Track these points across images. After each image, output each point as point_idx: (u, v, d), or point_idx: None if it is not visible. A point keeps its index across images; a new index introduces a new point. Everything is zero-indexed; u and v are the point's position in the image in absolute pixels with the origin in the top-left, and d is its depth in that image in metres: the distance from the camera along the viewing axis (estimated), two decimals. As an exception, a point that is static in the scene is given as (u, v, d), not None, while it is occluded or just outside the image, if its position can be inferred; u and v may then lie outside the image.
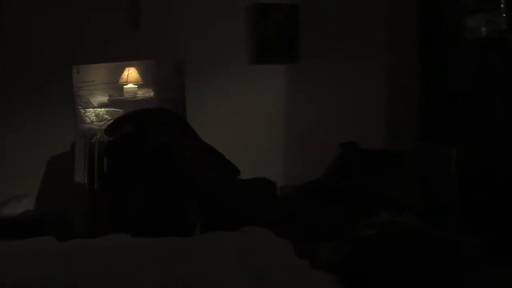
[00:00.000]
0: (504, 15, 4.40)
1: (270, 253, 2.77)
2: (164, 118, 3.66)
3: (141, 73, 4.37)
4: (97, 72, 4.26)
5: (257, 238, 2.92)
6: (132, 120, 3.60)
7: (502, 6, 4.41)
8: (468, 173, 4.27)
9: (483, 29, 4.42)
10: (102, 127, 4.06)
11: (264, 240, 2.91)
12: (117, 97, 4.32)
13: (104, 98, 4.31)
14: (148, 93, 4.39)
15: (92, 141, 3.78)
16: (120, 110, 4.27)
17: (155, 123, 3.55)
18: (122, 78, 4.33)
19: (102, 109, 4.30)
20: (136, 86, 4.35)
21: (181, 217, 3.22)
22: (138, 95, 4.36)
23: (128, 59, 4.31)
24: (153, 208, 3.23)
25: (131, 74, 4.36)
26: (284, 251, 2.81)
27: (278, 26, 4.57)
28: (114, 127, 3.67)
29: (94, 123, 4.25)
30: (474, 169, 4.33)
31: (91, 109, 4.25)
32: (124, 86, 4.34)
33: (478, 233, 3.81)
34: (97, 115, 4.27)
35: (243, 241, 2.86)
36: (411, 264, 3.32)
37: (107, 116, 4.26)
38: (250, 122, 4.56)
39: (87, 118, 4.24)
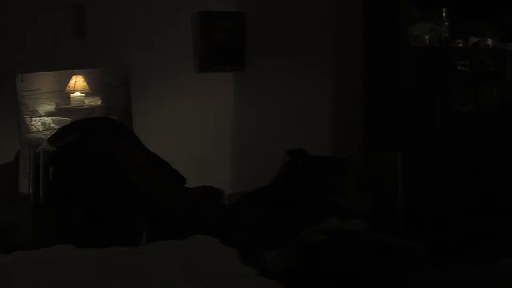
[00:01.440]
0: (446, 23, 4.51)
1: (216, 261, 2.78)
2: (108, 127, 3.63)
3: (88, 81, 4.33)
4: (42, 81, 4.21)
5: (203, 246, 2.92)
6: (76, 130, 3.56)
7: (444, 15, 4.51)
8: (413, 178, 4.35)
9: (427, 37, 4.51)
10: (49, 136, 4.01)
11: (210, 248, 2.91)
12: (64, 105, 4.28)
13: (51, 107, 4.26)
14: (95, 101, 4.35)
15: (37, 150, 3.73)
16: (68, 119, 4.22)
17: (99, 132, 3.52)
18: (69, 86, 4.29)
19: (49, 118, 4.24)
20: (83, 94, 4.31)
21: (126, 226, 3.20)
22: (85, 104, 4.32)
23: (74, 67, 4.27)
24: (98, 218, 3.20)
25: (78, 82, 4.32)
26: (230, 259, 2.81)
27: (224, 34, 4.58)
28: (58, 136, 3.63)
29: (41, 132, 4.19)
30: (418, 174, 4.41)
31: (38, 118, 4.19)
32: (71, 95, 4.29)
33: (421, 237, 3.89)
34: (43, 124, 4.22)
35: (189, 249, 2.86)
36: (358, 269, 3.37)
37: (54, 125, 4.21)
38: (197, 130, 4.54)
39: (33, 127, 4.18)
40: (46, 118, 4.23)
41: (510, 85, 4.69)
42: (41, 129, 4.20)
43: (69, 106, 4.29)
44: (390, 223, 4.23)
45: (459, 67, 4.51)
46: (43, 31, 4.16)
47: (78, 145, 3.42)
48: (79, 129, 3.56)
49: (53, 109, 4.26)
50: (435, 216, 4.48)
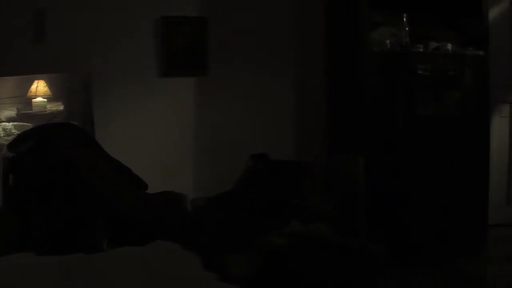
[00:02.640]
0: (406, 28, 4.56)
1: (177, 266, 2.77)
2: (68, 133, 3.60)
3: (50, 86, 4.29)
4: (3, 86, 4.17)
5: (164, 252, 2.91)
6: (36, 136, 3.53)
7: (404, 20, 4.56)
8: (375, 181, 4.39)
9: (388, 41, 4.56)
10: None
11: (172, 254, 2.91)
12: (26, 111, 4.23)
13: (12, 112, 4.22)
14: (57, 106, 4.32)
15: (-3, 157, 3.69)
16: (29, 124, 4.18)
17: (60, 138, 3.49)
18: (30, 91, 4.25)
19: (10, 123, 4.21)
20: (45, 99, 4.28)
21: (87, 232, 3.18)
22: (47, 109, 4.28)
23: (35, 72, 4.23)
24: (58, 225, 3.17)
25: (39, 87, 4.29)
26: (191, 264, 2.81)
27: (187, 39, 4.58)
28: (17, 142, 3.59)
29: (2, 138, 4.15)
30: (381, 177, 4.46)
31: (-2, 123, 4.16)
32: (33, 100, 4.25)
33: (384, 239, 3.93)
34: (4, 129, 4.17)
35: (150, 255, 2.85)
36: (322, 273, 3.38)
37: (15, 131, 4.16)
38: (159, 135, 4.55)
39: (-6, 133, 4.15)
40: (7, 123, 4.19)
41: (470, 89, 4.76)
42: (2, 135, 4.16)
43: (31, 111, 4.25)
44: (353, 226, 4.25)
45: (419, 72, 4.57)
46: (3, 36, 4.11)
47: (39, 151, 3.39)
48: (39, 135, 3.52)
49: (14, 115, 4.22)
50: (398, 218, 4.53)
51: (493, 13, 5.46)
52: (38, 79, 4.27)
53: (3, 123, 4.17)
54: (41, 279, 2.54)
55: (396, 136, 4.52)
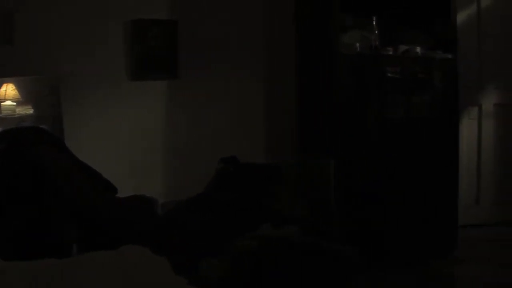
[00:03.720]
0: (376, 31, 4.59)
1: (147, 271, 2.76)
2: (37, 137, 3.56)
3: (19, 89, 4.25)
4: (-30, 89, 4.13)
5: (134, 256, 2.89)
6: (4, 140, 3.48)
7: (374, 23, 4.59)
8: (346, 184, 4.41)
9: (358, 44, 4.58)
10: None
11: (142, 258, 2.89)
12: (-6, 114, 4.20)
13: (-20, 116, 4.17)
14: (27, 110, 4.27)
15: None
16: (-2, 128, 4.14)
17: (29, 142, 3.45)
18: (-1, 95, 4.21)
19: (-22, 127, 4.15)
20: (14, 103, 4.23)
21: (57, 237, 3.15)
22: (16, 113, 4.24)
23: (3, 75, 4.19)
24: (27, 229, 3.14)
25: (8, 91, 4.24)
26: (161, 268, 2.80)
27: (157, 42, 4.56)
28: (-15, 146, 3.54)
29: (-30, 141, 4.09)
30: (352, 179, 4.48)
31: (-35, 127, 4.10)
32: (2, 103, 4.20)
33: (356, 242, 3.94)
34: (-27, 133, 4.12)
35: (120, 260, 2.83)
36: (294, 276, 3.39)
37: (-17, 135, 4.11)
38: (129, 139, 4.52)
39: (-39, 137, 4.08)
40: (-25, 127, 4.13)
41: (439, 91, 4.80)
42: (-30, 139, 4.10)
43: (0, 115, 4.20)
44: (325, 228, 4.26)
45: (389, 74, 4.60)
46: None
47: (7, 155, 3.35)
48: (8, 138, 3.48)
49: (-18, 119, 4.17)
50: (369, 220, 4.55)
51: (462, 16, 5.54)
52: (7, 82, 4.22)
53: (-30, 127, 4.11)
54: (8, 286, 2.51)
55: (367, 139, 4.55)
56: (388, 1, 4.79)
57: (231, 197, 3.93)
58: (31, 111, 4.27)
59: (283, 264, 3.41)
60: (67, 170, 3.39)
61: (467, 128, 5.82)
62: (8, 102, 4.21)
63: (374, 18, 4.59)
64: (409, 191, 4.69)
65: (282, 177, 4.24)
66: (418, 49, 4.77)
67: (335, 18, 4.52)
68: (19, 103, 4.24)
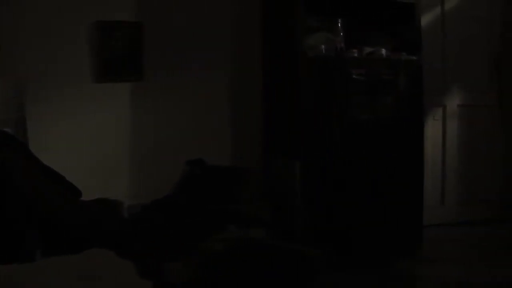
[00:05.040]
0: (341, 34, 4.61)
1: (112, 275, 2.75)
2: (0, 140, 3.52)
3: (-18, 92, 4.20)
4: None
5: (99, 260, 2.88)
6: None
7: (339, 25, 4.61)
8: (311, 186, 4.42)
9: (323, 46, 4.60)
10: None
11: (107, 261, 2.88)
12: (-44, 117, 4.13)
13: None
14: (-10, 112, 4.22)
15: None
16: (-40, 131, 4.07)
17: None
18: (-39, 97, 4.15)
19: None
20: (-23, 106, 4.18)
21: (20, 242, 3.11)
22: (-21, 115, 4.18)
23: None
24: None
25: (-29, 93, 4.18)
26: (126, 272, 2.79)
27: (122, 43, 4.53)
28: None
29: None
30: (318, 181, 4.50)
31: None
32: (-36, 106, 4.15)
33: (322, 243, 3.97)
34: None
35: (85, 264, 2.81)
36: (260, 278, 3.39)
37: None
38: (94, 142, 4.48)
39: None
40: None
41: (404, 93, 4.84)
42: None
43: (-38, 118, 4.14)
44: (291, 230, 4.28)
45: (354, 76, 4.62)
46: None
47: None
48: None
49: None
50: (335, 222, 4.57)
51: (426, 18, 5.60)
52: (-30, 84, 4.16)
53: None
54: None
55: (332, 140, 4.56)
56: (353, 3, 4.83)
57: (197, 200, 3.93)
58: (-6, 114, 4.22)
59: (249, 266, 3.41)
60: (29, 174, 3.35)
61: (432, 129, 5.89)
62: (-29, 105, 4.16)
63: (340, 20, 4.61)
64: (374, 192, 4.71)
65: (248, 179, 4.25)
66: (383, 51, 4.81)
67: (299, 20, 4.52)
68: (-18, 105, 4.19)
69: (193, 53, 4.78)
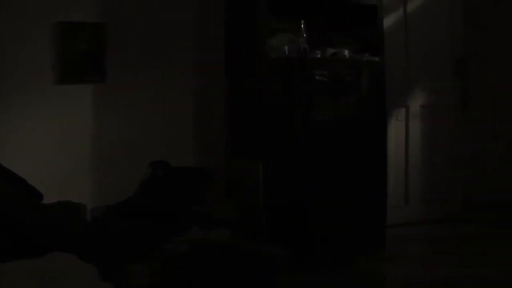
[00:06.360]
0: (304, 35, 4.63)
1: (73, 278, 2.74)
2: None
3: None
4: None
5: (60, 264, 2.86)
6: None
7: (302, 27, 4.63)
8: (276, 186, 4.44)
9: (286, 47, 4.62)
10: None
11: (68, 265, 2.86)
12: None
13: None
14: None
15: None
16: None
17: None
18: None
19: None
20: None
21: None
22: None
23: None
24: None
25: None
26: (88, 275, 2.78)
27: (85, 45, 4.49)
28: None
29: None
30: (281, 181, 4.51)
31: None
32: None
33: (286, 243, 3.98)
34: None
35: (46, 268, 2.80)
36: (223, 278, 3.39)
37: None
38: (55, 144, 4.43)
39: None
40: None
41: (367, 94, 4.88)
42: None
43: None
44: (254, 231, 4.29)
45: (317, 77, 4.65)
46: None
47: None
48: None
49: None
50: (299, 222, 4.59)
51: (389, 20, 5.66)
52: None
53: None
54: None
55: (295, 141, 4.58)
56: (317, 5, 4.85)
57: (161, 201, 3.92)
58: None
59: (212, 267, 3.42)
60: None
61: (395, 129, 5.95)
62: None
63: (303, 22, 4.63)
64: (338, 192, 4.74)
65: (212, 180, 4.25)
66: (346, 52, 4.84)
67: (262, 21, 4.53)
68: None
69: (156, 54, 4.75)
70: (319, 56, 4.73)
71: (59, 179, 4.33)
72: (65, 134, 4.46)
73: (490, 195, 6.55)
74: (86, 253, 2.97)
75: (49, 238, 3.20)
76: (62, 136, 4.45)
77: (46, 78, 4.40)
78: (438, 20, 6.18)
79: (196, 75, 4.92)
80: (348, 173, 4.80)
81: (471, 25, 6.50)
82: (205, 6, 4.96)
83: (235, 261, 3.49)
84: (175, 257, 3.43)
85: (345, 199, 4.77)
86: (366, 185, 4.88)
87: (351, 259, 4.76)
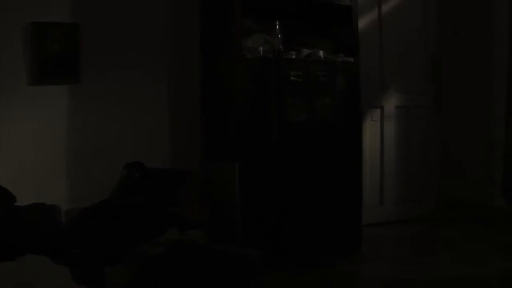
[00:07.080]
0: (279, 35, 4.64)
1: (48, 281, 2.72)
2: None
3: None
4: None
5: (35, 266, 2.85)
6: None
7: (277, 27, 4.64)
8: (251, 187, 4.44)
9: (261, 48, 4.62)
10: None
11: (42, 268, 2.85)
12: None
13: None
14: None
15: None
16: None
17: None
18: None
19: None
20: None
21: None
22: None
23: None
24: None
25: None
26: (63, 278, 2.77)
27: (58, 45, 4.45)
28: None
29: None
30: (256, 183, 4.51)
31: None
32: None
33: (260, 245, 3.99)
34: None
35: (20, 271, 2.78)
36: (198, 279, 3.39)
37: None
38: (30, 145, 4.38)
39: None
40: None
41: (342, 94, 4.90)
42: None
43: None
44: (229, 233, 4.29)
45: (292, 78, 4.65)
46: None
47: None
48: None
49: None
50: (274, 222, 4.60)
51: (364, 21, 5.69)
52: None
53: None
54: None
55: (270, 142, 4.59)
56: (292, 5, 4.86)
57: (136, 203, 3.90)
58: None
59: (188, 268, 3.42)
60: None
61: (370, 130, 5.98)
62: None
63: (277, 23, 4.64)
64: (313, 192, 4.75)
65: (187, 181, 4.24)
66: (321, 53, 4.85)
67: (237, 21, 4.52)
68: None
69: (131, 54, 4.73)
70: (294, 56, 4.74)
71: (33, 181, 4.30)
72: (39, 135, 4.42)
73: (464, 194, 6.63)
74: (60, 256, 2.95)
75: (21, 241, 3.18)
76: (36, 137, 4.41)
77: (20, 79, 4.36)
78: (413, 21, 6.22)
79: (171, 75, 4.91)
80: (324, 173, 4.82)
81: (444, 27, 6.57)
82: (180, 6, 4.94)
83: (209, 262, 3.49)
84: (151, 259, 3.42)
85: (321, 200, 4.79)
86: (341, 185, 4.90)
87: (326, 259, 4.78)
